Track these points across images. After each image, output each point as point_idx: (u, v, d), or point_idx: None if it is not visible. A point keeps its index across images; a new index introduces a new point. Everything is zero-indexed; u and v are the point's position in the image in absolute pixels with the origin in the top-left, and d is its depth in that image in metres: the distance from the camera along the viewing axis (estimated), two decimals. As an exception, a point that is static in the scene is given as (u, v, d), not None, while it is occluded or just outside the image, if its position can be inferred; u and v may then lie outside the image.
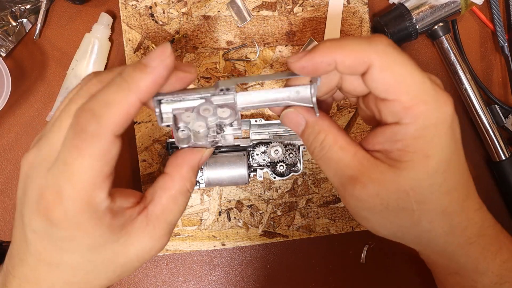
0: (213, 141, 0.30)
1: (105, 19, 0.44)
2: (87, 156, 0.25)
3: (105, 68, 0.46)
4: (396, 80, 0.25)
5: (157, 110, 0.27)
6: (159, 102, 0.27)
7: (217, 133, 0.30)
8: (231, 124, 0.30)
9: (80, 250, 0.28)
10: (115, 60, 0.44)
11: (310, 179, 0.46)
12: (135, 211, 0.30)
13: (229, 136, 0.30)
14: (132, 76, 0.25)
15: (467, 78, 0.46)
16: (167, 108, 0.28)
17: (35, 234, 0.28)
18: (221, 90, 0.27)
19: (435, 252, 0.30)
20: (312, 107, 0.28)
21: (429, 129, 0.25)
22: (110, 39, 0.45)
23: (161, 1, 0.45)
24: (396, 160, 0.26)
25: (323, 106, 0.31)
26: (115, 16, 0.46)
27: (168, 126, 0.29)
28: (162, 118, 0.28)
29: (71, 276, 0.30)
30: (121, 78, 0.25)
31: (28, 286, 0.31)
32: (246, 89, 0.29)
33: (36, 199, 0.27)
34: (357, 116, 0.46)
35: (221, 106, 0.28)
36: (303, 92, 0.28)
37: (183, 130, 0.29)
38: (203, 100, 0.28)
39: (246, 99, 0.29)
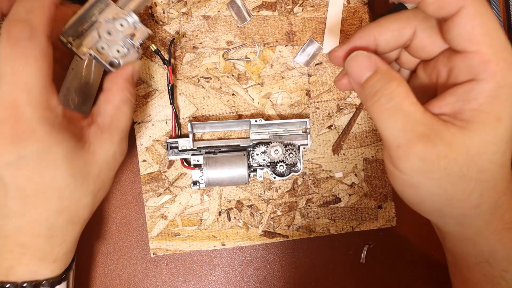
0: (137, 52, 0.37)
1: None
2: (33, 60, 0.26)
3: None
4: (483, 30, 0.24)
5: (68, 44, 0.35)
6: (64, 42, 0.34)
7: (133, 44, 0.36)
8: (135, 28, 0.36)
9: (58, 163, 0.28)
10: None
11: (310, 179, 0.46)
12: (84, 123, 0.32)
13: (143, 33, 0.37)
14: None
15: (467, 78, 0.46)
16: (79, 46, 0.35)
17: (10, 168, 0.28)
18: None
19: (469, 237, 0.29)
20: None
21: (504, 90, 0.24)
22: None
23: (161, 1, 0.45)
24: (467, 121, 0.24)
25: None
26: None
27: (91, 57, 0.36)
28: (81, 56, 0.35)
29: (59, 199, 0.30)
30: None
31: (24, 236, 0.31)
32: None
33: None
34: (357, 116, 0.46)
35: (115, 20, 0.35)
36: None
37: (113, 64, 0.36)
38: (106, 24, 0.35)
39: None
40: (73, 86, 0.44)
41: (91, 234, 0.46)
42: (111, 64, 0.36)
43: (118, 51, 0.36)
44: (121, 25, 0.36)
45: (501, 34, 0.24)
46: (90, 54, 0.36)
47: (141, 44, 0.37)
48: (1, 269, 0.31)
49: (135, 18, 0.36)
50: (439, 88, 0.28)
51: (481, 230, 0.28)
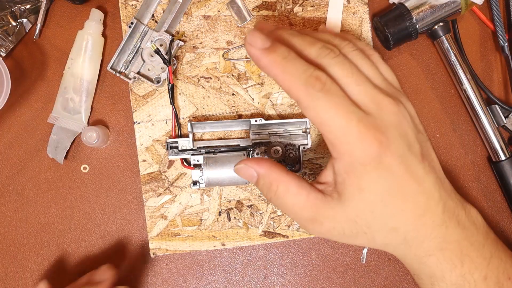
0: (174, 64, 0.44)
1: (96, 15, 0.44)
2: None
3: (101, 64, 0.46)
4: (319, 121, 0.27)
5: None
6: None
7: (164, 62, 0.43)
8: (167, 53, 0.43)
9: None
10: (111, 56, 0.43)
11: (310, 179, 0.46)
12: None
13: (177, 46, 0.44)
14: None
15: (467, 78, 0.46)
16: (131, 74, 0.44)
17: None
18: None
19: (399, 257, 0.31)
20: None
21: (356, 166, 0.27)
22: (104, 34, 0.45)
23: (161, 1, 0.45)
24: (340, 193, 0.28)
25: None
26: (106, 11, 0.46)
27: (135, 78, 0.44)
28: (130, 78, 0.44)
29: None
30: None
31: None
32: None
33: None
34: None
35: (153, 42, 0.43)
36: None
37: (159, 80, 0.43)
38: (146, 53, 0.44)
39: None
40: (70, 85, 0.44)
41: (91, 234, 0.46)
42: (157, 81, 0.43)
43: (162, 68, 0.43)
44: (161, 45, 0.43)
45: (339, 121, 0.26)
46: (134, 77, 0.43)
47: (175, 57, 0.44)
48: None
49: (169, 37, 0.43)
50: None
51: (403, 256, 0.31)
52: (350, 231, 0.29)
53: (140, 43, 0.43)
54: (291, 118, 0.45)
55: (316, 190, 0.29)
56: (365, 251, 0.47)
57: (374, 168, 0.26)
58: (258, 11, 0.46)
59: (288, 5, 0.46)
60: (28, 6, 0.46)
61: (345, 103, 0.26)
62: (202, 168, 0.42)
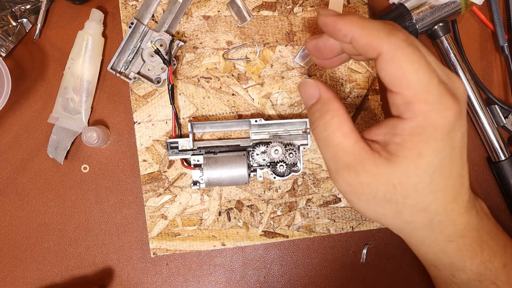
0: (174, 64, 0.44)
1: (96, 15, 0.44)
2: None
3: (101, 65, 0.46)
4: (401, 74, 0.25)
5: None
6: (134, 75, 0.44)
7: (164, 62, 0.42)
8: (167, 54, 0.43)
9: None
10: (111, 56, 0.43)
11: (310, 179, 0.46)
12: None
13: (177, 46, 0.44)
14: None
15: (467, 78, 0.46)
16: (132, 74, 0.44)
17: None
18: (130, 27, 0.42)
19: (415, 243, 0.31)
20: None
21: (426, 129, 0.25)
22: (104, 34, 0.45)
23: (161, 1, 0.45)
24: (392, 154, 0.27)
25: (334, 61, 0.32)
26: (106, 11, 0.46)
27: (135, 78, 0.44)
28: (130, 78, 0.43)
29: None
30: None
31: None
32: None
33: None
34: (357, 116, 0.46)
35: (153, 42, 0.43)
36: None
37: (159, 80, 0.43)
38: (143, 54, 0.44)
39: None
40: (70, 85, 0.44)
41: (91, 234, 0.46)
42: (158, 81, 0.43)
43: (162, 68, 0.43)
44: (161, 45, 0.43)
45: (424, 75, 0.25)
46: (135, 78, 0.43)
47: (175, 57, 0.44)
48: None
49: (169, 37, 0.43)
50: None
51: (422, 241, 0.30)
52: (383, 195, 0.27)
53: (140, 43, 0.43)
54: (291, 118, 0.45)
55: (365, 142, 0.28)
56: (364, 251, 0.47)
57: (444, 135, 0.25)
58: (258, 11, 0.46)
59: (288, 5, 0.46)
60: (28, 6, 0.46)
61: (426, 61, 0.25)
62: (202, 168, 0.42)
